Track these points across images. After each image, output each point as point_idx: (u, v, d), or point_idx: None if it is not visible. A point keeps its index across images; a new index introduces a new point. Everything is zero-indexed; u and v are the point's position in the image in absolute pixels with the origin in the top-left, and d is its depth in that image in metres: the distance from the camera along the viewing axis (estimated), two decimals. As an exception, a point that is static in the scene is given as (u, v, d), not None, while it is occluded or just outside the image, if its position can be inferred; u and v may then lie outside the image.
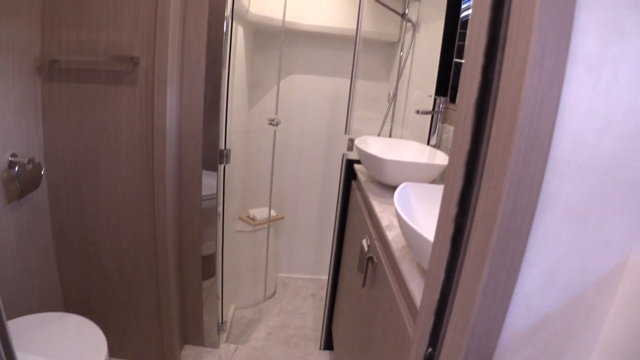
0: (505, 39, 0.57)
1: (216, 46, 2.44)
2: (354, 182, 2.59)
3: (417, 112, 2.30)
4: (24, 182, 2.16)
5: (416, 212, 1.53)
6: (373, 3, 3.37)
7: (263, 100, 3.83)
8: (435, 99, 2.45)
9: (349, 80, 2.56)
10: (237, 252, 3.48)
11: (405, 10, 3.33)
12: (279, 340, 3.22)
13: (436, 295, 0.71)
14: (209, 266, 2.84)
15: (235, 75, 3.03)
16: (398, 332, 1.23)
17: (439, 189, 1.66)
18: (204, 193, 2.63)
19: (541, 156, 0.55)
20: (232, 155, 2.77)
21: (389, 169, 1.97)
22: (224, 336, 3.12)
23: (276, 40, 3.64)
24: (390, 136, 3.31)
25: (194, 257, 2.75)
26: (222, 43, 2.44)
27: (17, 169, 2.08)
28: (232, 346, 3.05)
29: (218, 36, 2.44)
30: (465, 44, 0.66)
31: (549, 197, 0.58)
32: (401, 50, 3.40)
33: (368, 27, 3.53)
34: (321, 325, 3.17)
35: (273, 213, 3.66)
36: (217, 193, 2.67)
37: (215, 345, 3.00)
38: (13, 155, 2.11)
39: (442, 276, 0.69)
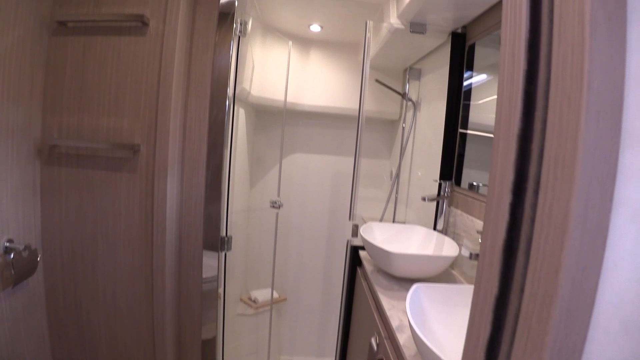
0: (538, 180, 0.51)
1: (217, 130, 2.43)
2: (360, 269, 2.51)
3: (423, 199, 2.25)
4: (19, 269, 2.08)
5: (430, 317, 1.44)
6: (373, 83, 3.41)
7: (265, 180, 3.80)
8: (440, 184, 2.40)
9: (350, 158, 2.53)
10: (239, 335, 3.34)
11: (405, 90, 3.37)
12: None
13: None
14: (208, 352, 2.70)
15: (237, 154, 3.01)
16: None
17: (453, 290, 1.57)
18: (204, 275, 2.53)
19: (584, 317, 0.48)
20: (233, 236, 2.70)
21: (396, 262, 1.90)
22: None
23: (278, 119, 3.66)
24: (394, 218, 3.25)
25: (194, 345, 2.61)
26: (223, 127, 2.42)
27: (12, 255, 2.02)
28: None
29: (219, 120, 2.42)
30: (489, 179, 0.61)
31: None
32: (403, 129, 3.40)
33: (369, 106, 3.56)
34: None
35: (275, 295, 3.54)
36: (217, 275, 2.57)
37: None
38: (9, 240, 2.05)
39: None
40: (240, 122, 3.07)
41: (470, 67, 2.36)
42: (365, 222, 3.55)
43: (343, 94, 3.65)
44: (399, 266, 1.91)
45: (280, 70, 3.33)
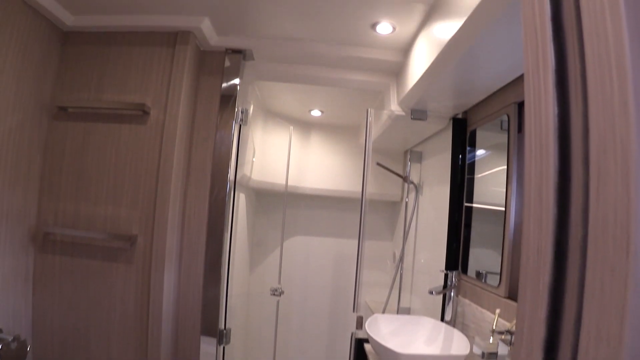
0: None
1: (217, 217, 2.37)
2: (365, 364, 2.37)
3: (431, 292, 2.17)
4: (7, 362, 1.97)
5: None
6: (374, 165, 3.41)
7: (265, 263, 3.72)
8: (446, 274, 2.33)
9: (352, 240, 2.47)
10: None
11: (406, 172, 3.36)
12: None
13: None
14: None
15: (237, 238, 2.94)
16: None
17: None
18: (202, 365, 2.40)
19: None
20: (233, 321, 2.58)
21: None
22: None
23: (279, 201, 3.63)
24: (398, 305, 3.13)
25: None
26: (223, 214, 2.37)
27: (0, 347, 1.91)
28: None
29: (219, 207, 2.38)
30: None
31: None
32: (405, 211, 3.36)
33: (370, 189, 3.52)
34: None
35: (275, 386, 3.35)
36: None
37: None
38: (-2, 330, 1.95)
39: None
40: (240, 206, 3.03)
41: (472, 145, 2.35)
42: (368, 305, 3.43)
43: (344, 177, 3.64)
44: (407, 366, 1.80)
45: (282, 154, 3.33)
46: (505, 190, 1.91)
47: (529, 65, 0.60)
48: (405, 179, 3.33)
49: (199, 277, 2.34)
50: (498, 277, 1.89)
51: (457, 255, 2.36)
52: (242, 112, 2.46)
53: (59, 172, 2.25)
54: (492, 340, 1.64)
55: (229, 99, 2.40)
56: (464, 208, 2.36)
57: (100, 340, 2.22)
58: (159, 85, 2.26)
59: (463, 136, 2.43)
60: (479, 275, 2.12)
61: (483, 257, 2.17)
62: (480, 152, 2.30)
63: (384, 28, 2.14)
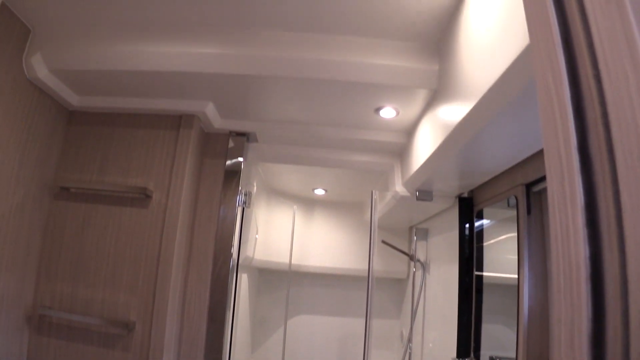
0: None
1: (218, 301, 2.29)
2: None
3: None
4: None
5: None
6: (380, 243, 3.35)
7: (268, 343, 3.58)
8: (459, 363, 2.22)
9: (358, 319, 2.38)
10: None
11: (412, 250, 3.29)
12: None
13: None
14: None
15: (239, 318, 2.84)
16: None
17: None
18: None
19: None
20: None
21: None
22: None
23: (282, 279, 3.55)
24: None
25: None
26: (225, 299, 2.29)
27: None
28: None
29: (221, 291, 2.30)
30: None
31: None
32: (412, 289, 3.26)
33: (376, 266, 3.45)
34: None
35: None
36: None
37: None
38: None
39: None
40: (242, 287, 2.95)
41: (480, 217, 2.30)
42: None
43: (348, 254, 3.58)
44: None
45: (285, 233, 3.29)
46: (517, 270, 1.84)
47: (551, 158, 0.56)
48: (411, 257, 3.25)
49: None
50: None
51: (468, 340, 2.25)
52: (245, 195, 2.43)
53: (58, 253, 2.19)
54: None
55: (232, 179, 2.38)
56: (474, 279, 2.28)
57: None
58: (162, 168, 2.25)
59: (470, 215, 2.38)
60: (492, 361, 2.01)
61: (497, 334, 2.07)
62: (488, 222, 2.26)
63: (388, 112, 2.15)
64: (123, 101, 2.28)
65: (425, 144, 2.02)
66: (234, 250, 2.34)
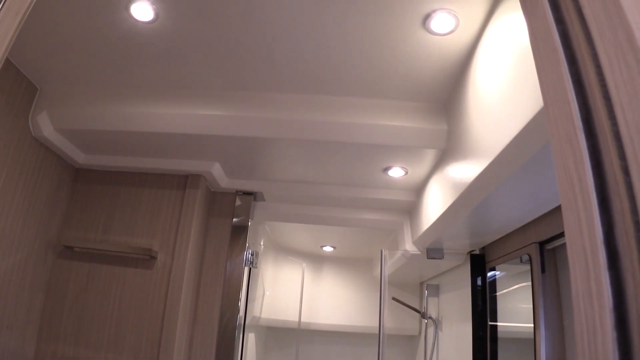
0: None
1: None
2: None
3: None
4: None
5: None
6: (390, 299, 3.27)
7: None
8: None
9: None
10: None
11: (423, 307, 3.20)
12: None
13: None
14: None
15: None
16: None
17: None
18: None
19: None
20: None
21: None
22: None
23: (290, 338, 3.46)
24: None
25: None
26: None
27: None
28: None
29: (227, 354, 2.24)
30: None
31: None
32: (425, 347, 3.16)
33: (386, 323, 3.36)
34: None
35: None
36: None
37: None
38: None
39: None
40: (250, 346, 2.86)
41: (492, 269, 2.24)
42: None
43: (358, 311, 3.49)
44: None
45: (293, 290, 3.23)
46: (533, 328, 1.77)
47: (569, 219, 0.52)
48: (423, 314, 3.16)
49: None
50: None
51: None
52: (252, 255, 2.39)
53: (60, 312, 2.14)
54: None
55: (239, 238, 2.35)
56: (488, 332, 2.20)
57: None
58: (167, 228, 2.22)
59: (482, 272, 2.32)
60: None
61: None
62: (500, 273, 2.20)
63: (396, 172, 2.13)
64: (129, 160, 2.28)
65: (435, 203, 1.99)
66: (241, 310, 2.28)
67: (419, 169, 2.10)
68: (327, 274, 3.60)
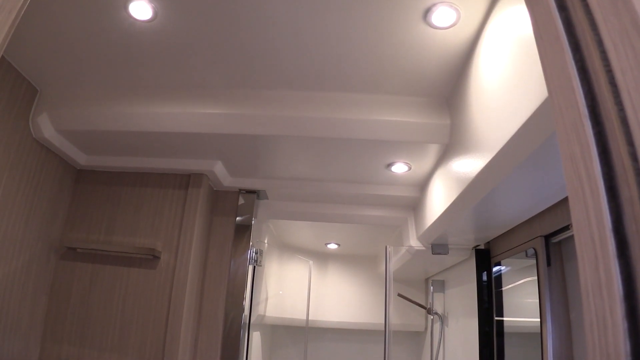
0: None
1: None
2: None
3: None
4: None
5: None
6: (395, 296, 3.26)
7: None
8: None
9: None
10: None
11: (429, 303, 3.19)
12: None
13: None
14: None
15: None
16: None
17: None
18: None
19: None
20: None
21: None
22: None
23: (296, 336, 3.45)
24: None
25: None
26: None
27: None
28: None
29: (232, 353, 2.23)
30: None
31: None
32: (431, 342, 3.15)
33: (392, 319, 3.36)
34: None
35: None
36: None
37: None
38: None
39: None
40: (255, 345, 2.86)
41: (498, 263, 2.23)
42: None
43: (363, 308, 3.49)
44: None
45: (298, 288, 3.22)
46: (540, 322, 1.76)
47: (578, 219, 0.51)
48: (428, 310, 3.15)
49: None
50: None
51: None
52: (256, 253, 2.39)
53: (64, 314, 2.14)
54: None
55: (242, 237, 2.34)
56: (494, 328, 2.19)
57: None
58: (170, 227, 2.22)
59: (487, 267, 2.31)
60: None
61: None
62: (505, 268, 2.19)
63: (399, 168, 2.13)
64: (131, 160, 2.27)
65: (439, 198, 1.98)
66: (246, 308, 2.28)
67: (423, 164, 2.09)
68: (332, 272, 3.60)
